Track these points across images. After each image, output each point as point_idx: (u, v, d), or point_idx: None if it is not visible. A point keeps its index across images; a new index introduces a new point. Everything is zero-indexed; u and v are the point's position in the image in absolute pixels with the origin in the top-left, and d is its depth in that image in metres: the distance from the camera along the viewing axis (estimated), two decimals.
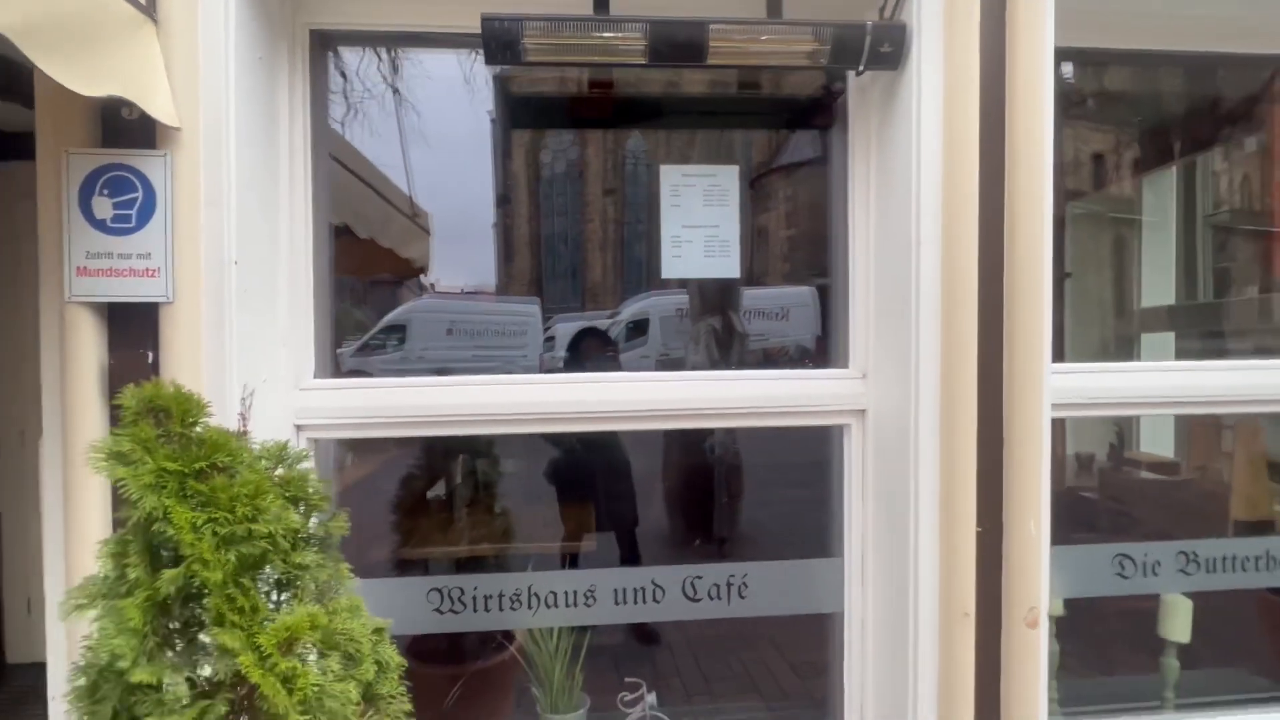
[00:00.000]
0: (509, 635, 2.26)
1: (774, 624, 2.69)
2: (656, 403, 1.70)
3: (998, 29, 1.56)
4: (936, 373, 1.58)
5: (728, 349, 4.62)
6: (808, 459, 2.11)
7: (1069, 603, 2.05)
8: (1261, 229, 2.51)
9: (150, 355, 1.36)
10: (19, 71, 2.33)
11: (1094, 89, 3.28)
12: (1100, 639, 2.29)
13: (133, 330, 1.36)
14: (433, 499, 2.58)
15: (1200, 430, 3.25)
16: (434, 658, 2.11)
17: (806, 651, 2.30)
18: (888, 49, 1.56)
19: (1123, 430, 3.50)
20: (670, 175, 1.79)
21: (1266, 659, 2.48)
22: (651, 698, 1.93)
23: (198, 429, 0.92)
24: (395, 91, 2.62)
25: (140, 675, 0.76)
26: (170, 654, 0.83)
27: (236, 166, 1.42)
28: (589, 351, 3.58)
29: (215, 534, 0.82)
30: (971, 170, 1.53)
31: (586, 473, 3.18)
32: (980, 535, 1.56)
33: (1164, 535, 2.12)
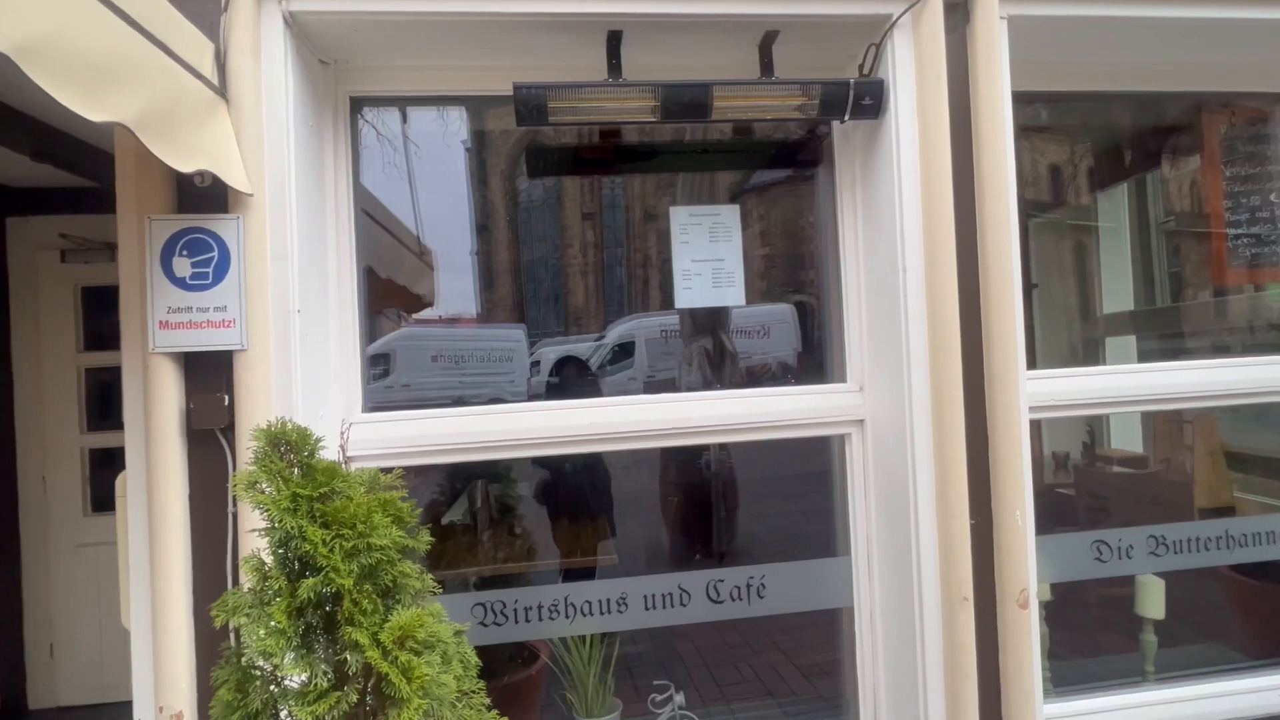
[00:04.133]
0: (536, 648, 2.39)
1: (782, 629, 2.85)
2: (683, 421, 1.87)
3: (962, 81, 1.80)
4: (926, 383, 1.77)
5: (720, 368, 4.82)
6: (800, 471, 2.29)
7: (1055, 589, 2.24)
8: (1204, 231, 2.78)
9: (226, 398, 1.50)
10: (56, 136, 2.47)
11: (1055, 118, 3.58)
12: (1084, 623, 2.49)
13: (210, 376, 1.50)
14: (458, 521, 2.71)
15: (1164, 426, 3.51)
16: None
17: (815, 653, 2.45)
18: (868, 102, 1.78)
19: (1094, 429, 3.74)
20: (679, 215, 1.99)
21: (1235, 634, 2.69)
22: (680, 698, 2.07)
23: (313, 460, 1.07)
24: (406, 141, 2.80)
25: (291, 669, 0.89)
26: (306, 652, 0.97)
27: (297, 224, 1.57)
28: (570, 377, 3.81)
29: (342, 548, 0.97)
30: (947, 204, 1.74)
31: (576, 491, 3.35)
32: (974, 527, 1.75)
33: (1136, 524, 2.31)
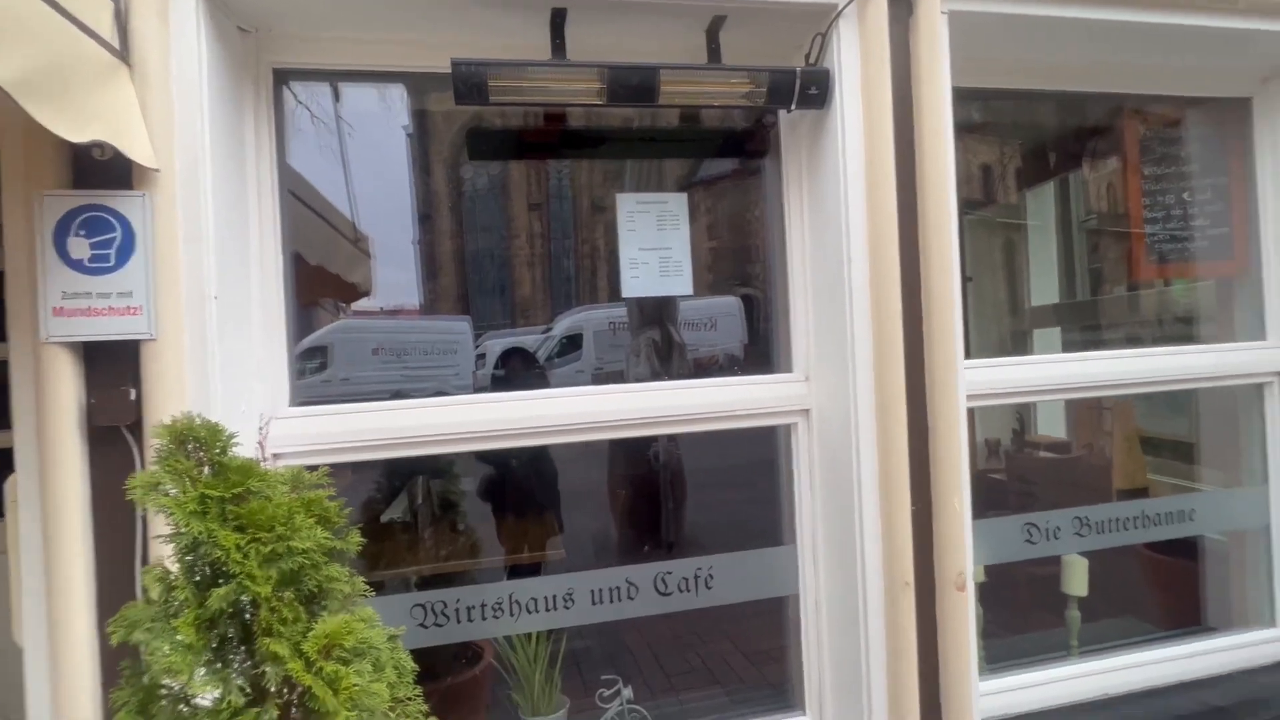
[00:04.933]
0: (481, 648, 2.32)
1: (732, 618, 2.86)
2: (629, 412, 1.84)
3: (906, 73, 1.82)
4: (871, 373, 1.79)
5: (668, 360, 4.82)
6: (749, 460, 2.29)
7: (989, 570, 2.32)
8: (1124, 236, 2.94)
9: (132, 392, 1.37)
10: None
11: (987, 116, 3.70)
12: (1015, 602, 2.59)
13: (114, 368, 1.37)
14: (398, 519, 2.60)
15: (1085, 413, 3.70)
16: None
17: (764, 641, 2.47)
18: (814, 91, 1.78)
19: (1023, 417, 3.91)
20: (626, 202, 1.94)
21: (1149, 607, 2.87)
22: (628, 692, 2.05)
23: (225, 458, 0.98)
24: (339, 120, 2.66)
25: (202, 686, 0.82)
26: (220, 666, 0.89)
27: (214, 204, 1.45)
28: (516, 369, 3.73)
29: (259, 552, 0.89)
30: (890, 195, 1.76)
31: (520, 485, 3.29)
32: (914, 513, 1.79)
33: (1062, 506, 2.42)
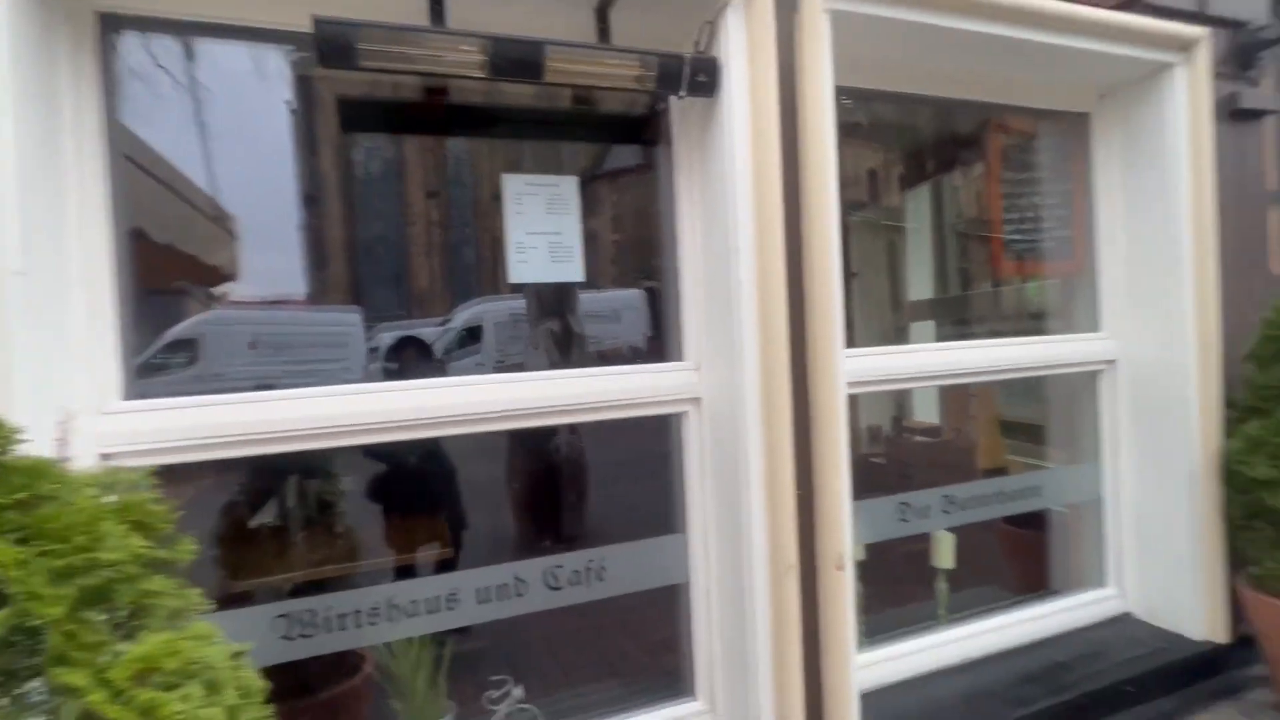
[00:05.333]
0: (361, 656, 2.18)
1: (629, 608, 2.86)
2: (517, 402, 1.77)
3: (792, 67, 1.85)
4: (758, 361, 1.82)
5: (567, 351, 4.75)
6: (652, 449, 2.28)
7: (868, 548, 2.45)
8: (987, 236, 3.20)
9: None
10: None
11: (871, 119, 3.90)
12: (892, 578, 2.75)
13: None
14: (266, 524, 2.39)
15: (954, 399, 4.01)
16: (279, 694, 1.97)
17: (662, 629, 2.48)
18: (704, 79, 1.78)
19: (901, 404, 4.18)
20: (513, 183, 1.86)
21: (1006, 576, 3.14)
22: (519, 691, 1.98)
23: (8, 458, 0.83)
24: (193, 83, 2.38)
25: None
26: (6, 704, 0.75)
27: (15, 164, 1.24)
28: (410, 361, 3.55)
29: (50, 568, 0.76)
30: (776, 187, 1.80)
31: (414, 483, 3.14)
32: (799, 498, 1.84)
33: (934, 486, 2.60)
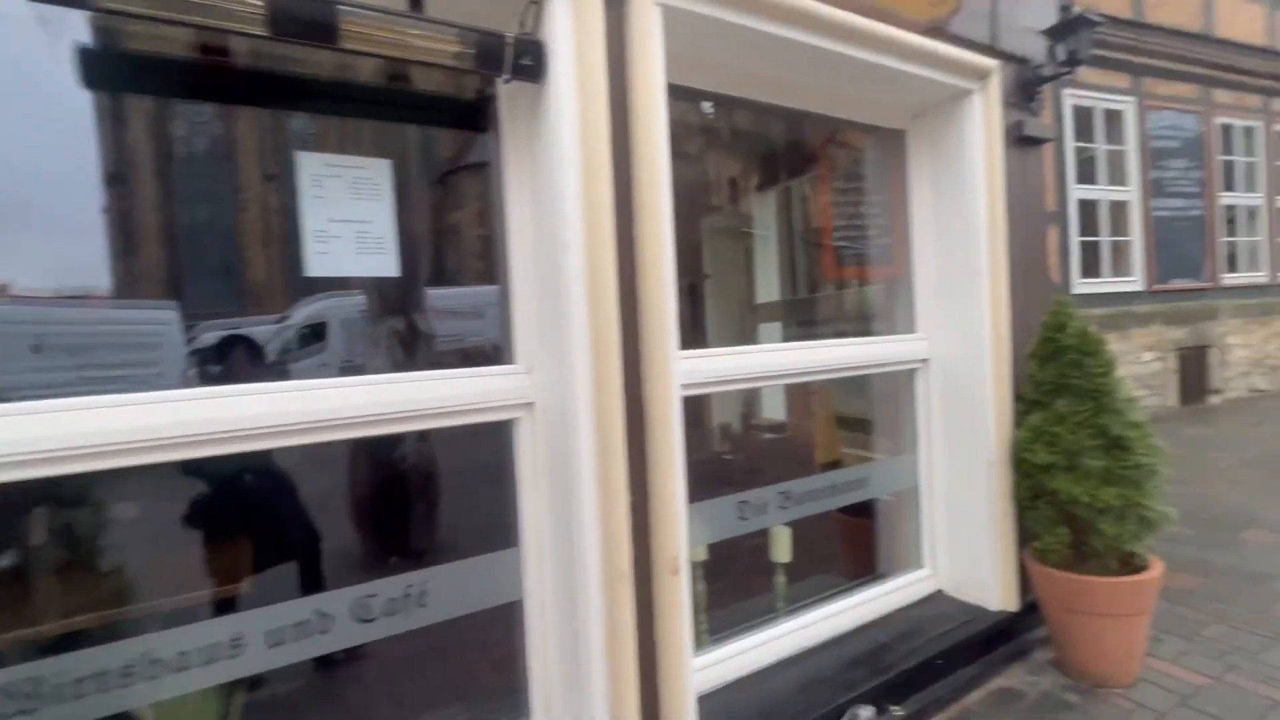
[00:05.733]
0: None
1: (473, 628, 2.68)
2: (320, 413, 1.54)
3: (622, 59, 1.79)
4: (589, 363, 1.74)
5: (413, 351, 4.44)
6: (502, 456, 2.13)
7: (711, 547, 2.47)
8: (821, 242, 3.39)
9: None
10: None
11: (731, 127, 4.00)
12: (734, 574, 2.81)
13: None
14: (6, 567, 1.95)
15: (797, 396, 4.22)
16: None
17: (505, 648, 2.35)
18: (529, 62, 1.67)
19: (750, 402, 4.34)
20: (310, 164, 1.64)
21: (841, 563, 3.33)
22: None
23: None
24: None
25: None
26: None
27: None
28: (238, 363, 3.11)
29: None
30: (605, 182, 1.73)
31: (240, 506, 2.76)
32: (633, 504, 1.78)
33: (778, 481, 2.68)
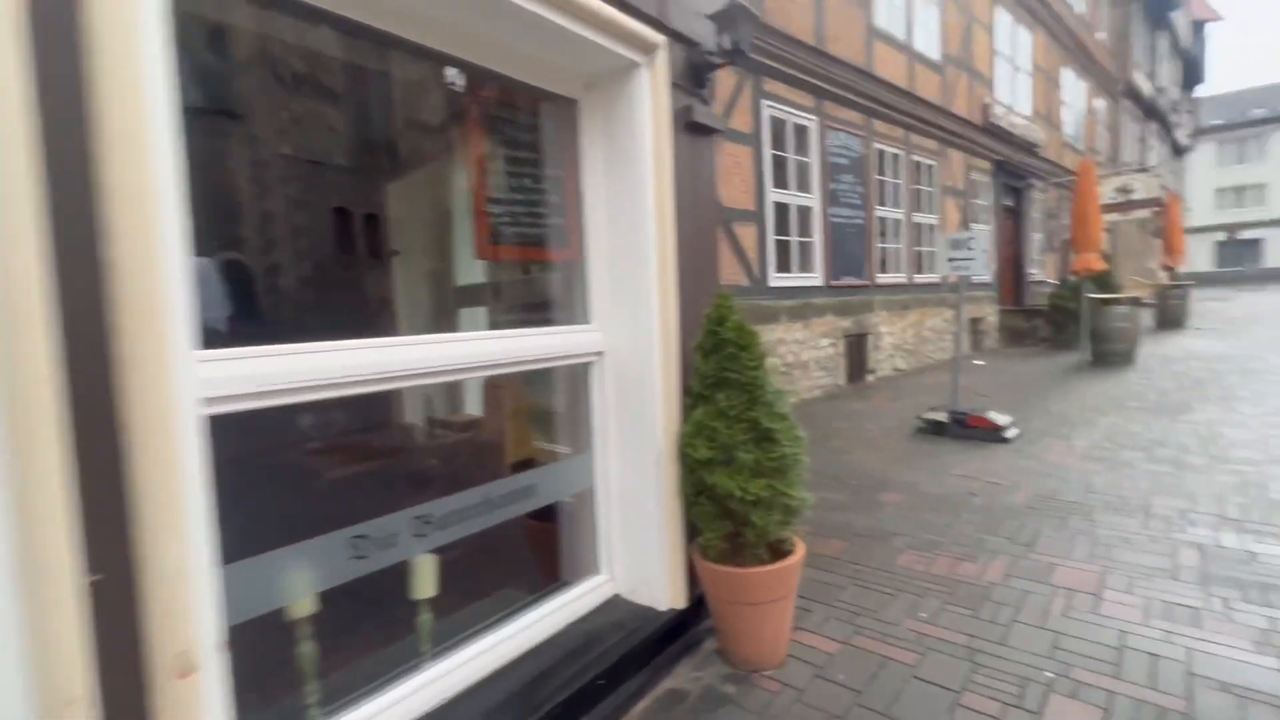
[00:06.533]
0: None
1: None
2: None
3: None
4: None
5: None
6: None
7: (322, 595, 1.93)
8: (477, 215, 3.02)
9: None
10: None
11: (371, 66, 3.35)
12: (359, 620, 2.30)
13: None
14: None
15: (490, 391, 3.82)
16: None
17: None
18: None
19: (432, 399, 3.83)
20: None
21: (528, 573, 3.02)
22: None
23: None
24: None
25: None
26: None
27: None
28: None
29: None
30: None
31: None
32: (95, 585, 1.17)
33: (466, 484, 2.22)
